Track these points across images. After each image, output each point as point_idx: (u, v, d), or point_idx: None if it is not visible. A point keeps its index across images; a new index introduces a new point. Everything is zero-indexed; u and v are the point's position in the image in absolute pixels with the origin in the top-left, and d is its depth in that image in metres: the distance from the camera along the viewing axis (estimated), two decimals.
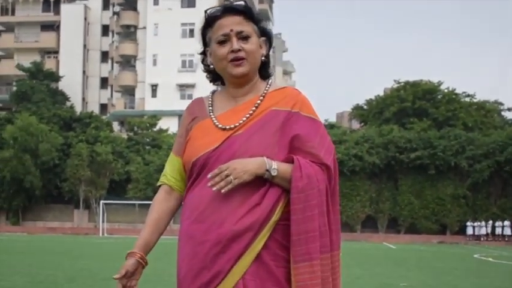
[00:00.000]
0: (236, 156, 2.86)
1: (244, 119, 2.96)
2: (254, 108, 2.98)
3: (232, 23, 2.98)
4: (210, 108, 3.08)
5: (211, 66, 3.10)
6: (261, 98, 3.02)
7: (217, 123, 2.99)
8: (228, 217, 2.81)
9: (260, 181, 2.84)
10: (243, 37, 2.98)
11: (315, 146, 2.92)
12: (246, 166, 2.80)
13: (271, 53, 3.16)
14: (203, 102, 3.15)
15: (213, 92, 3.19)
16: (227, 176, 2.78)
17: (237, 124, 2.95)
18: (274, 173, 2.82)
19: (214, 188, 2.79)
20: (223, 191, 2.78)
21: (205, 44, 3.12)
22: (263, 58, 3.08)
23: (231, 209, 2.82)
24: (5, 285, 13.14)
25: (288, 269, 2.85)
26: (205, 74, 3.19)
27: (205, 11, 3.07)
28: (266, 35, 3.10)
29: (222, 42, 2.99)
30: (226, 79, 3.08)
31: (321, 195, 2.87)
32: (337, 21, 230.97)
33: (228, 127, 2.95)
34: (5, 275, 15.51)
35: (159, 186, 3.18)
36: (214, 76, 3.15)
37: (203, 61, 3.16)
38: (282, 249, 2.86)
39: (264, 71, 3.13)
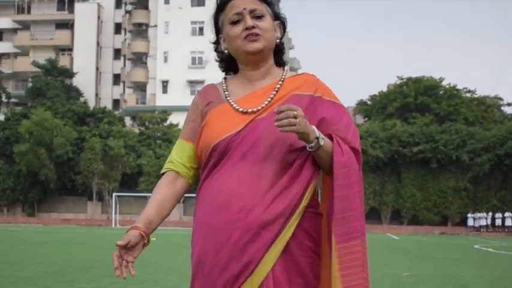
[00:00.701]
0: (261, 140, 2.73)
1: (266, 102, 2.81)
2: (274, 92, 2.84)
3: (245, 2, 2.85)
4: (226, 93, 2.91)
5: (226, 52, 2.94)
6: (280, 82, 2.88)
7: (237, 107, 2.83)
8: (257, 203, 2.65)
9: (289, 160, 2.72)
10: (257, 16, 2.84)
11: (341, 129, 2.80)
12: (303, 127, 2.61)
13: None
14: (216, 87, 2.98)
15: (225, 79, 3.02)
16: (294, 117, 2.58)
17: (259, 108, 2.80)
18: (322, 142, 2.68)
19: (276, 123, 2.59)
20: (282, 129, 2.59)
21: (218, 31, 2.98)
22: (277, 41, 2.94)
23: (259, 194, 2.67)
24: (21, 275, 13.13)
25: (313, 260, 2.74)
26: (217, 64, 3.05)
27: None
28: (280, 20, 2.97)
29: (235, 22, 2.85)
30: (241, 60, 2.93)
31: (357, 173, 2.75)
32: (342, 20, 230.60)
33: (250, 110, 2.80)
34: (20, 264, 15.51)
35: (163, 173, 2.94)
36: (227, 66, 3.02)
37: (216, 49, 3.01)
38: (309, 239, 2.74)
39: (279, 57, 2.99)
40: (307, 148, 2.71)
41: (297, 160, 2.75)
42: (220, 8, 2.93)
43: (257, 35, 2.83)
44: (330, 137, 2.76)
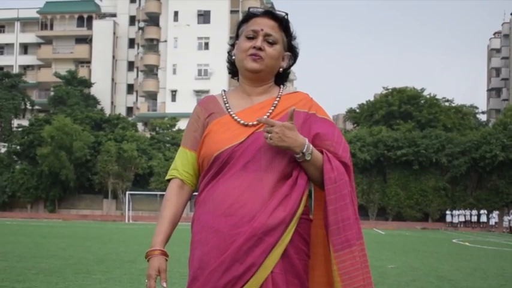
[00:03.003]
0: (262, 152, 2.68)
1: (265, 117, 2.75)
2: (273, 107, 2.81)
3: (265, 24, 2.82)
4: (227, 105, 2.85)
5: (233, 57, 2.93)
6: (278, 99, 2.85)
7: (238, 119, 2.77)
8: (260, 210, 2.60)
9: (288, 171, 2.69)
10: (270, 41, 2.81)
11: (333, 144, 2.75)
12: (288, 137, 2.61)
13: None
14: (216, 99, 2.92)
15: (224, 91, 2.97)
16: (268, 133, 2.61)
17: None
18: (308, 158, 2.65)
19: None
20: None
21: (237, 37, 2.93)
22: (281, 70, 2.91)
23: (261, 201, 2.62)
24: (43, 267, 13.06)
25: (306, 262, 2.73)
26: (226, 64, 3.02)
27: (249, 8, 2.90)
28: (293, 52, 2.94)
29: (249, 38, 2.82)
30: (241, 73, 2.89)
31: (347, 186, 2.70)
32: (333, 37, 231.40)
33: (250, 123, 2.75)
34: (42, 257, 15.44)
35: (169, 179, 2.89)
36: (233, 69, 2.98)
37: (229, 52, 2.97)
38: (303, 243, 2.72)
39: (281, 82, 2.97)
40: (296, 158, 2.69)
41: (294, 170, 2.72)
42: (245, 20, 2.90)
43: (260, 57, 2.79)
44: (322, 153, 2.73)
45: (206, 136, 2.80)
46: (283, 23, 2.87)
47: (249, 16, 2.89)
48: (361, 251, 2.71)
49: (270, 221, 2.60)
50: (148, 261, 2.74)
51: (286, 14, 2.89)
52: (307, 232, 2.74)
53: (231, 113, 2.82)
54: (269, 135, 2.61)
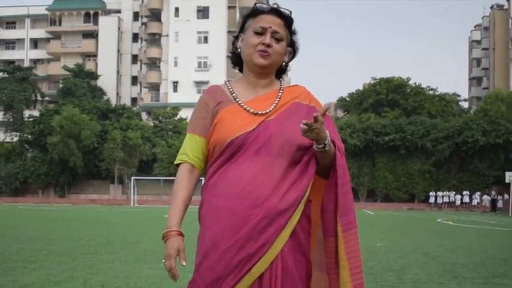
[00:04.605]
0: (272, 139, 2.71)
1: (273, 106, 2.79)
2: (278, 99, 2.83)
3: (273, 22, 2.83)
4: (234, 94, 2.85)
5: (238, 50, 2.91)
6: (281, 91, 2.87)
7: (248, 108, 2.79)
8: (272, 192, 2.64)
9: (297, 157, 2.73)
10: (277, 38, 2.83)
11: (331, 134, 2.77)
12: (322, 131, 2.63)
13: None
14: (222, 89, 2.91)
15: (229, 81, 2.97)
16: (314, 129, 2.59)
17: (268, 111, 2.78)
18: (327, 148, 2.68)
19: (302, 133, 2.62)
20: (303, 135, 2.61)
21: (241, 29, 2.93)
22: (283, 64, 2.93)
23: (273, 184, 2.65)
24: (53, 248, 13.05)
25: (309, 240, 2.76)
26: (230, 55, 3.02)
27: (255, 3, 2.93)
28: (293, 48, 2.95)
29: (258, 33, 2.81)
30: (247, 66, 2.90)
31: (349, 174, 2.79)
32: (323, 29, 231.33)
33: (260, 112, 2.77)
34: (53, 239, 15.42)
35: (178, 164, 2.87)
36: (236, 60, 2.97)
37: (234, 43, 2.96)
38: (308, 222, 2.76)
39: (280, 75, 2.99)
40: (314, 147, 2.71)
41: (304, 157, 2.75)
42: (252, 15, 2.89)
43: (268, 53, 2.81)
44: (332, 142, 2.77)
45: (217, 124, 2.79)
46: (288, 21, 2.89)
47: (256, 12, 2.89)
48: (358, 235, 2.78)
49: (282, 203, 2.64)
50: (165, 242, 2.73)
51: (290, 12, 2.90)
52: (310, 212, 2.78)
53: (240, 102, 2.82)
54: (310, 128, 2.60)
